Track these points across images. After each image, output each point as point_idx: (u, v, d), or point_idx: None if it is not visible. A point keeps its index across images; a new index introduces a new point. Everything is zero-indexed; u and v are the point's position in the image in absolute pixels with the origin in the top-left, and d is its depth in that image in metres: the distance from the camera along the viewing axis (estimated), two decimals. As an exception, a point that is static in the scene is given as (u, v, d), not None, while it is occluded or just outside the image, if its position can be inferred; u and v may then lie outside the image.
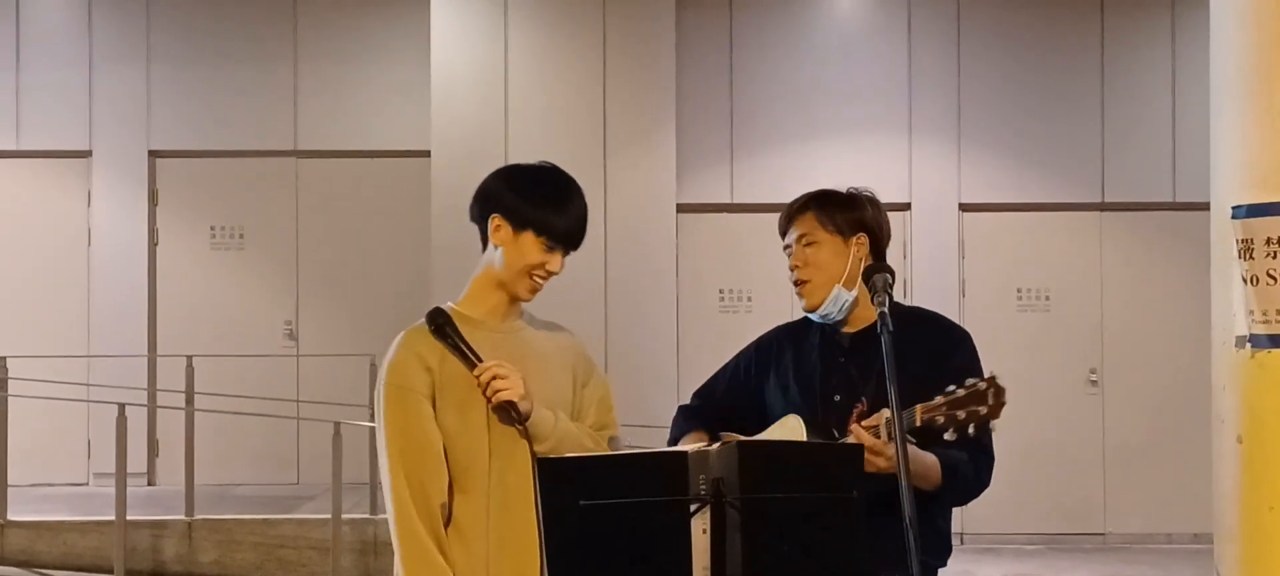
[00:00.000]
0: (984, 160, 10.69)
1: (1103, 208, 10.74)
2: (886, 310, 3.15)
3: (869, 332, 3.47)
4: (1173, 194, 10.67)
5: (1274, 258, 3.70)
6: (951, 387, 3.23)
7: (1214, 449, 4.03)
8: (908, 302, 3.51)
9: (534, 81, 10.33)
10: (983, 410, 3.19)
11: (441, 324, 3.21)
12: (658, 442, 10.73)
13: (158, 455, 10.87)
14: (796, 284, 3.62)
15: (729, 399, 3.80)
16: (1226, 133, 4.12)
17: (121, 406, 8.49)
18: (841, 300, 3.56)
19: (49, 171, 10.96)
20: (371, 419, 9.64)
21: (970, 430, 3.20)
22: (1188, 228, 10.47)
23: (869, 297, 3.38)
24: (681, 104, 10.46)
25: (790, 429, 3.44)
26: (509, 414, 3.14)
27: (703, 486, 2.73)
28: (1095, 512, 10.58)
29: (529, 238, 3.25)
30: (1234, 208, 3.99)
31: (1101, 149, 10.73)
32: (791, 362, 3.65)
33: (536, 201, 3.24)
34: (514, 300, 3.32)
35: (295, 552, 8.92)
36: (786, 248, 3.66)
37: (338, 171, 10.99)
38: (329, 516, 8.45)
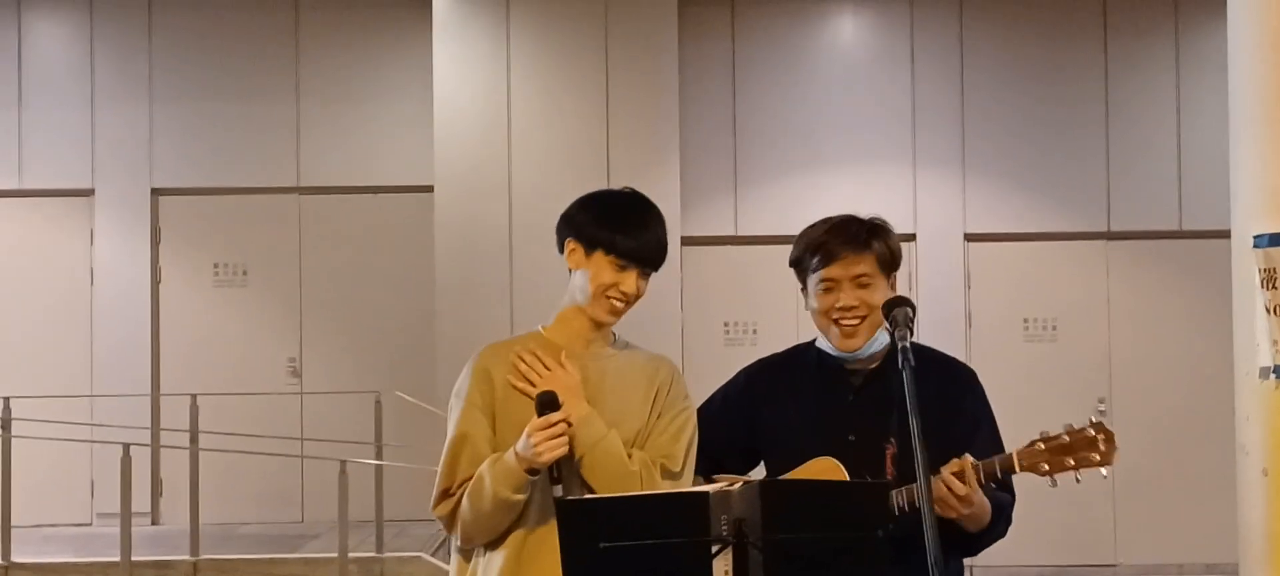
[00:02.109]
0: (989, 189, 10.66)
1: (1109, 236, 10.70)
2: (908, 345, 3.03)
3: (880, 370, 3.39)
4: (1179, 222, 10.64)
5: (1296, 287, 3.65)
6: (1055, 432, 3.13)
7: (1239, 480, 3.97)
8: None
9: (537, 116, 10.31)
10: (1096, 457, 3.10)
11: (546, 402, 3.12)
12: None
13: (162, 494, 10.81)
14: (843, 323, 3.38)
15: (717, 438, 3.50)
16: (1246, 161, 4.07)
17: (126, 447, 8.44)
18: (880, 342, 3.39)
19: (51, 210, 10.93)
20: (375, 455, 9.61)
21: (1077, 478, 3.11)
22: (1195, 255, 10.43)
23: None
24: (685, 137, 10.43)
25: (826, 470, 3.28)
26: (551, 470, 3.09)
27: (724, 526, 2.68)
28: (1106, 543, 10.51)
29: (599, 257, 3.26)
30: (1256, 237, 3.94)
31: (1107, 177, 10.70)
32: (790, 399, 3.44)
33: (606, 221, 3.26)
34: (598, 325, 3.32)
35: (301, 592, 8.87)
36: (827, 281, 3.40)
37: (341, 208, 10.95)
38: (335, 555, 8.38)
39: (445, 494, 3.22)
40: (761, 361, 3.60)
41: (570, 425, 3.11)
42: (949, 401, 3.34)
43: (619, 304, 3.29)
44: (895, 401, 3.21)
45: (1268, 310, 3.89)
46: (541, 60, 10.36)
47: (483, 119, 10.27)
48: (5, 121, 10.83)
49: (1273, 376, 3.95)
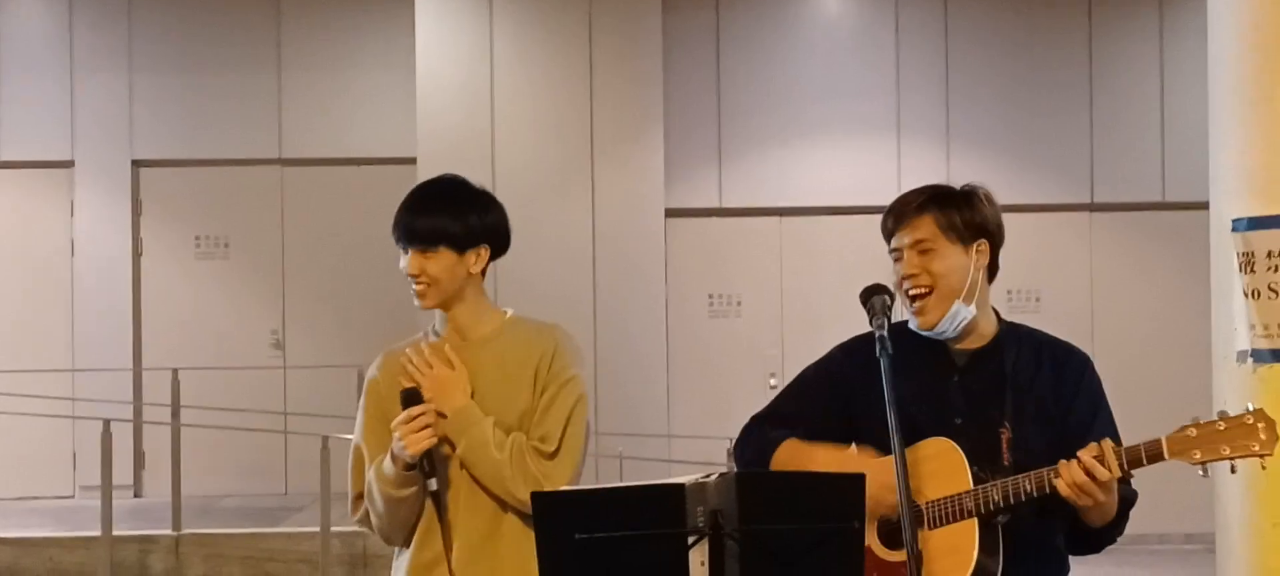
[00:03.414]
0: (973, 159, 10.63)
1: (1093, 208, 10.70)
2: (886, 334, 2.98)
3: (987, 351, 3.23)
4: (1162, 193, 10.65)
5: (1276, 271, 3.65)
6: (1208, 419, 2.97)
7: (1215, 465, 3.98)
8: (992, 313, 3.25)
9: (520, 87, 10.27)
10: (1255, 446, 2.90)
11: (409, 397, 3.17)
12: (646, 447, 10.65)
13: (144, 467, 10.78)
14: (912, 297, 3.18)
15: (813, 412, 3.30)
16: (1225, 144, 4.06)
17: (106, 421, 8.41)
18: (960, 317, 3.17)
19: (31, 183, 10.86)
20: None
21: (1233, 469, 2.93)
22: (1177, 226, 10.44)
23: (986, 310, 3.19)
24: (669, 108, 10.40)
25: (942, 452, 3.09)
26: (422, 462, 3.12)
27: (700, 518, 2.67)
28: (1088, 514, 10.54)
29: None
30: (1234, 221, 3.94)
31: (1090, 148, 10.70)
32: (887, 381, 3.06)
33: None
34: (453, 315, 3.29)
35: (284, 565, 8.85)
36: (895, 252, 3.22)
37: (323, 180, 10.91)
38: (317, 529, 8.38)
39: (357, 499, 3.32)
40: (858, 338, 3.31)
41: (442, 417, 3.14)
42: (1064, 386, 3.20)
43: (416, 289, 3.25)
44: (1006, 384, 3.13)
45: (1246, 294, 3.88)
46: (525, 31, 10.31)
47: (466, 90, 10.22)
48: (-16, 93, 10.77)
49: (1250, 360, 3.94)
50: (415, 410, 3.12)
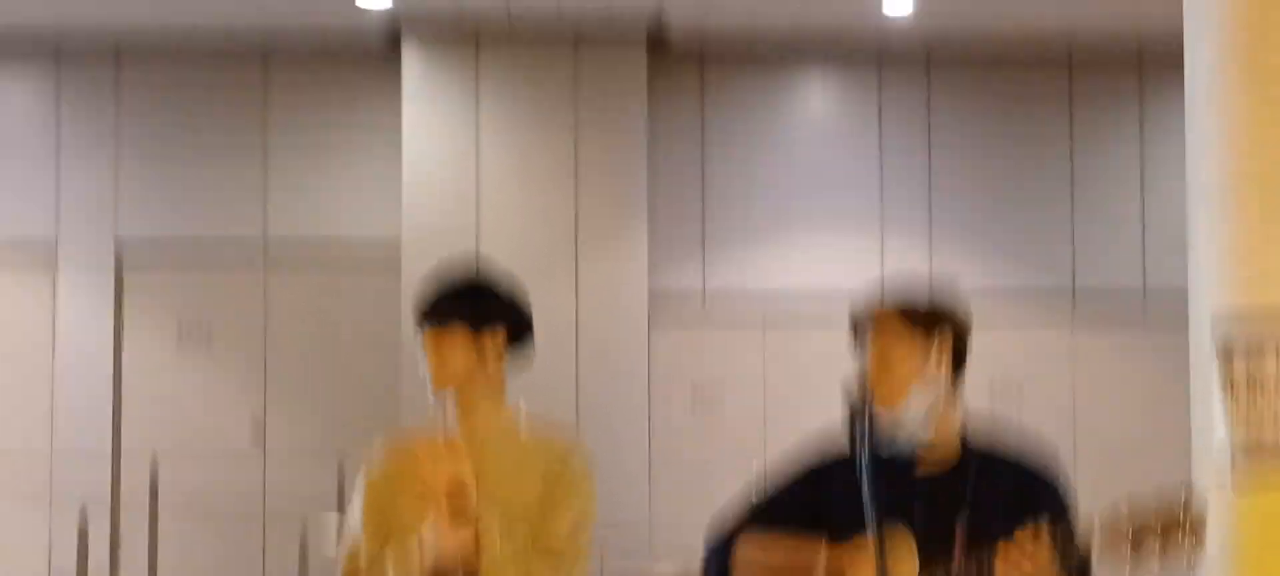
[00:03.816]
0: (956, 249, 10.68)
1: (1074, 296, 10.74)
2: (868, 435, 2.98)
3: (949, 478, 3.20)
4: (1144, 280, 10.69)
5: (1253, 363, 3.66)
6: (1132, 499, 2.90)
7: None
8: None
9: (506, 175, 10.31)
10: (1179, 536, 2.82)
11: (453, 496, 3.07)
12: (627, 535, 10.56)
13: (120, 558, 10.67)
14: (871, 389, 3.18)
15: (785, 525, 3.26)
16: (1205, 241, 4.07)
17: (83, 507, 8.34)
18: (918, 412, 3.18)
19: (13, 265, 10.80)
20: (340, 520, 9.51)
21: (1161, 559, 2.85)
22: (1159, 313, 10.46)
23: (948, 406, 3.20)
24: (653, 197, 10.44)
25: (902, 551, 3.08)
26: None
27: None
28: (1072, 607, 10.47)
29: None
30: (1213, 315, 3.94)
31: (1072, 238, 10.75)
32: (853, 489, 3.10)
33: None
34: (446, 402, 3.25)
35: (261, 655, 8.76)
36: (864, 347, 3.25)
37: (307, 265, 10.89)
38: (295, 619, 8.30)
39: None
40: (818, 450, 3.33)
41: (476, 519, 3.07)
42: (1023, 499, 3.16)
43: (433, 376, 3.20)
44: (964, 507, 3.12)
45: (1224, 387, 3.89)
46: (511, 120, 10.37)
47: (451, 178, 10.26)
48: (-32, 176, 10.76)
49: (1228, 455, 3.94)
50: (460, 510, 3.01)
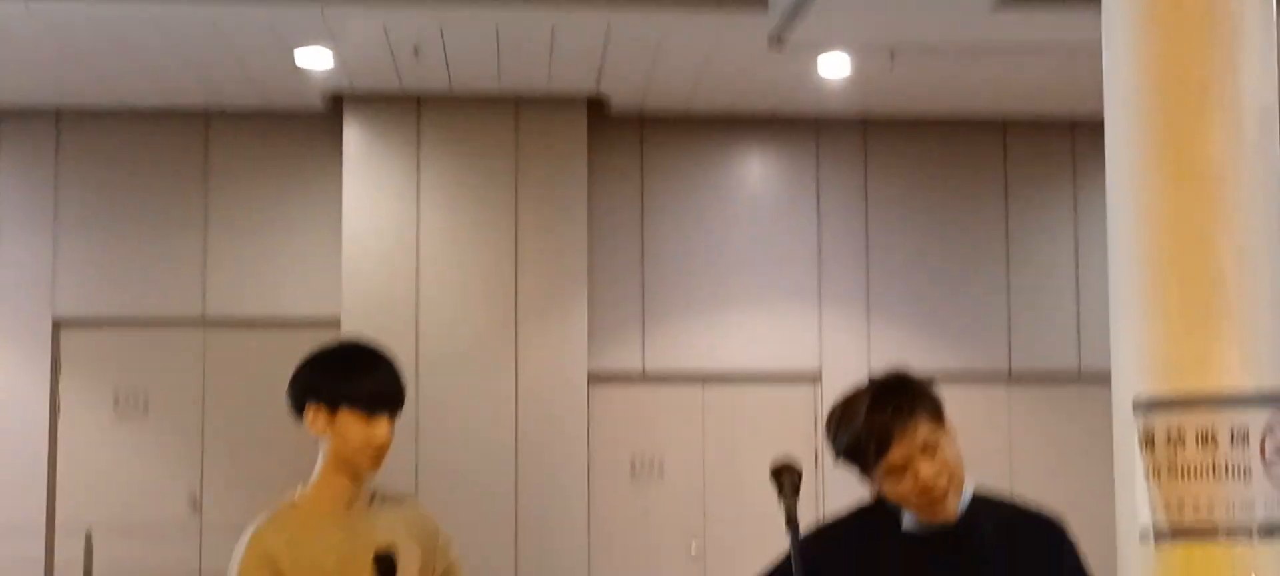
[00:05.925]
0: (893, 329, 10.79)
1: (1010, 378, 10.86)
2: (796, 517, 2.98)
3: (960, 527, 3.26)
4: (1078, 363, 10.82)
5: (1175, 451, 3.72)
6: None
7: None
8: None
9: (446, 249, 10.33)
10: None
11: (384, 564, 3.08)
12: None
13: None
14: (934, 497, 3.13)
15: None
16: (1126, 326, 4.15)
17: (15, 583, 8.24)
18: (967, 493, 3.21)
19: (-52, 338, 10.71)
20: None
21: None
22: (1092, 397, 10.59)
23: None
24: (593, 272, 10.49)
25: None
26: None
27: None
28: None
29: (345, 414, 3.21)
30: (1135, 400, 4.03)
31: (1007, 319, 10.88)
32: (859, 562, 3.11)
33: (346, 374, 3.22)
34: (357, 481, 3.27)
35: None
36: (893, 465, 3.13)
37: (246, 340, 10.84)
38: (229, 697, 8.20)
39: None
40: (825, 530, 3.26)
41: None
42: (1040, 559, 3.24)
43: (379, 454, 3.23)
44: (985, 556, 3.16)
45: (1146, 474, 3.96)
46: (451, 196, 10.40)
47: (391, 251, 10.27)
48: (-97, 248, 10.65)
49: (1152, 539, 4.00)
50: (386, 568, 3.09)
